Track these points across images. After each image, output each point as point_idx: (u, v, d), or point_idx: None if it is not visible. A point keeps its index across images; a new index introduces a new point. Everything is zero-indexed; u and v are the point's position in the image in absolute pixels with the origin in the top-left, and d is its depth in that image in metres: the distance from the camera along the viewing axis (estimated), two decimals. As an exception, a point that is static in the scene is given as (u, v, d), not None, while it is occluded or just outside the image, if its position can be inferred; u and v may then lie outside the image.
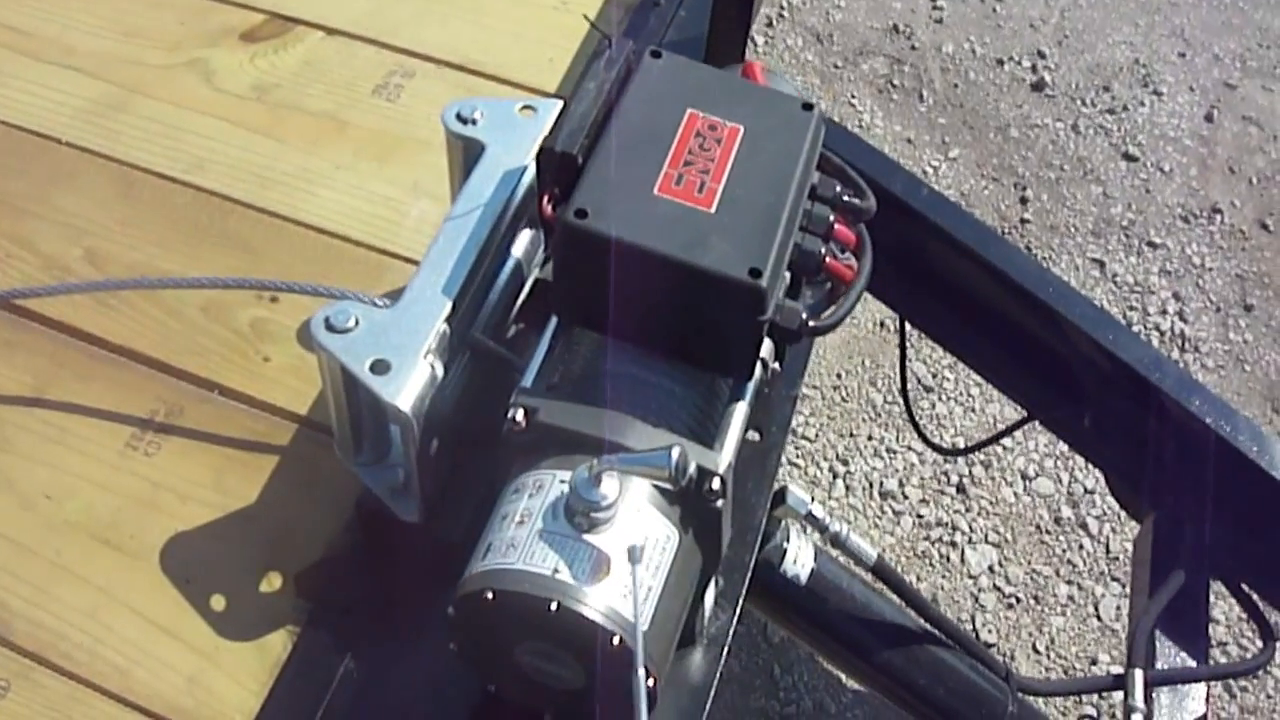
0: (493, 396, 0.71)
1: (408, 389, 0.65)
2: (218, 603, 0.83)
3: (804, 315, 0.62)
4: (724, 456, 0.60)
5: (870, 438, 1.65)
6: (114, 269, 0.95)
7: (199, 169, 1.00)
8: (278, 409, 0.91)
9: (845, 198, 0.65)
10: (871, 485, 1.60)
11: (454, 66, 1.10)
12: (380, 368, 0.68)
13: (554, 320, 0.73)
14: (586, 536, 0.60)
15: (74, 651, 0.80)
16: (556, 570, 0.59)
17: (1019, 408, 1.12)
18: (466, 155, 0.81)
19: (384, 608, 0.80)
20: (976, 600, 1.54)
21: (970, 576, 1.57)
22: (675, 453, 0.54)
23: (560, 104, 0.78)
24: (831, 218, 0.65)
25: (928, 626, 0.97)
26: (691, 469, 0.61)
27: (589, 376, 0.72)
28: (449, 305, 0.72)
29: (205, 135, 1.03)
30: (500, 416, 0.65)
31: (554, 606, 0.54)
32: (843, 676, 1.39)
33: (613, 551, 0.60)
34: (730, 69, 0.79)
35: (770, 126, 0.64)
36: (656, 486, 0.62)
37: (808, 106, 0.65)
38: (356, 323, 0.70)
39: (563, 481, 0.62)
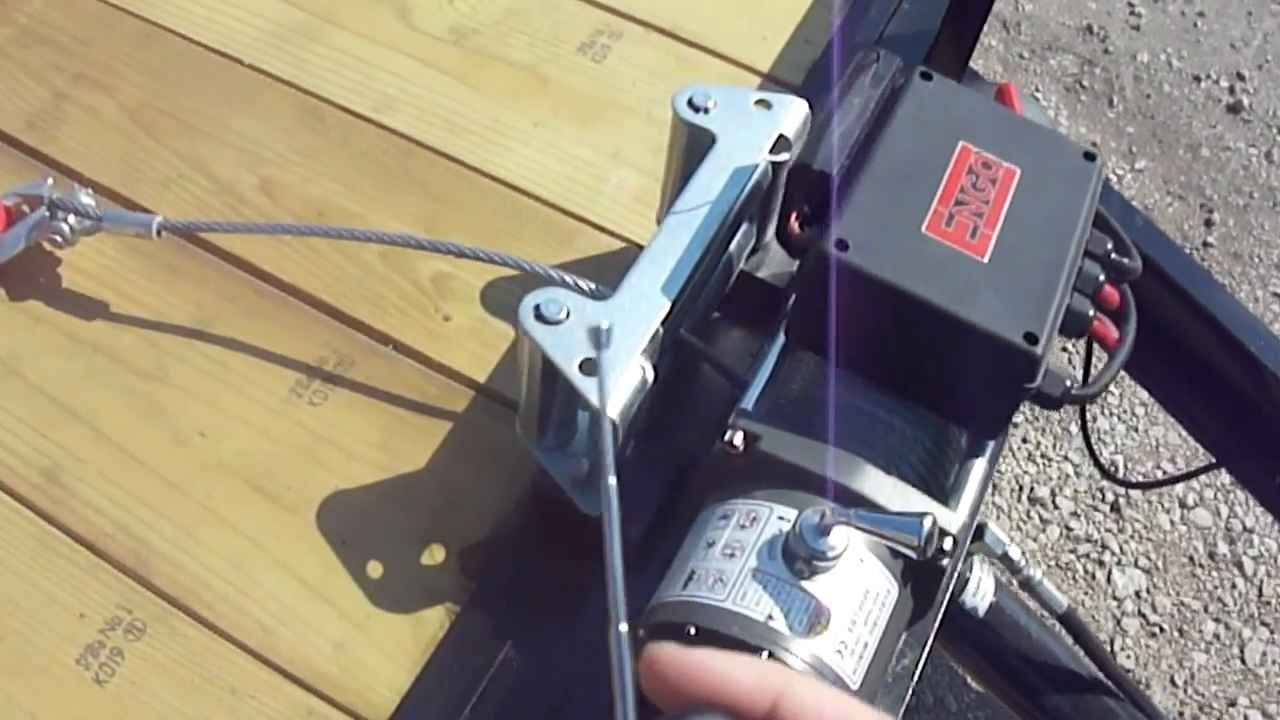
0: (680, 390, 0.82)
1: (617, 394, 0.70)
2: (374, 569, 0.94)
3: (1068, 383, 0.74)
4: (960, 517, 0.66)
5: (1025, 440, 1.93)
6: (289, 201, 1.08)
7: (387, 108, 1.13)
8: (454, 372, 1.03)
9: (1113, 255, 0.72)
10: (1021, 489, 1.90)
11: (664, 33, 1.25)
12: (590, 368, 0.70)
13: (779, 340, 0.83)
14: (804, 583, 0.62)
15: (216, 602, 0.93)
16: (770, 617, 0.66)
17: (1197, 444, 1.20)
18: (692, 143, 0.92)
19: (550, 596, 0.84)
20: (1119, 623, 1.78)
21: (1115, 599, 1.81)
22: (928, 523, 0.58)
23: (798, 103, 0.90)
24: (1101, 277, 0.71)
25: (1101, 678, 1.03)
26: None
27: (813, 404, 0.81)
28: (667, 305, 0.81)
29: (396, 74, 1.17)
30: (692, 420, 0.78)
31: (765, 656, 0.59)
32: (967, 676, 1.48)
33: (831, 603, 0.67)
34: (979, 84, 0.88)
35: (1049, 173, 0.70)
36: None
37: (1089, 156, 0.72)
38: (568, 314, 0.73)
39: (781, 519, 0.70)
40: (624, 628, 0.33)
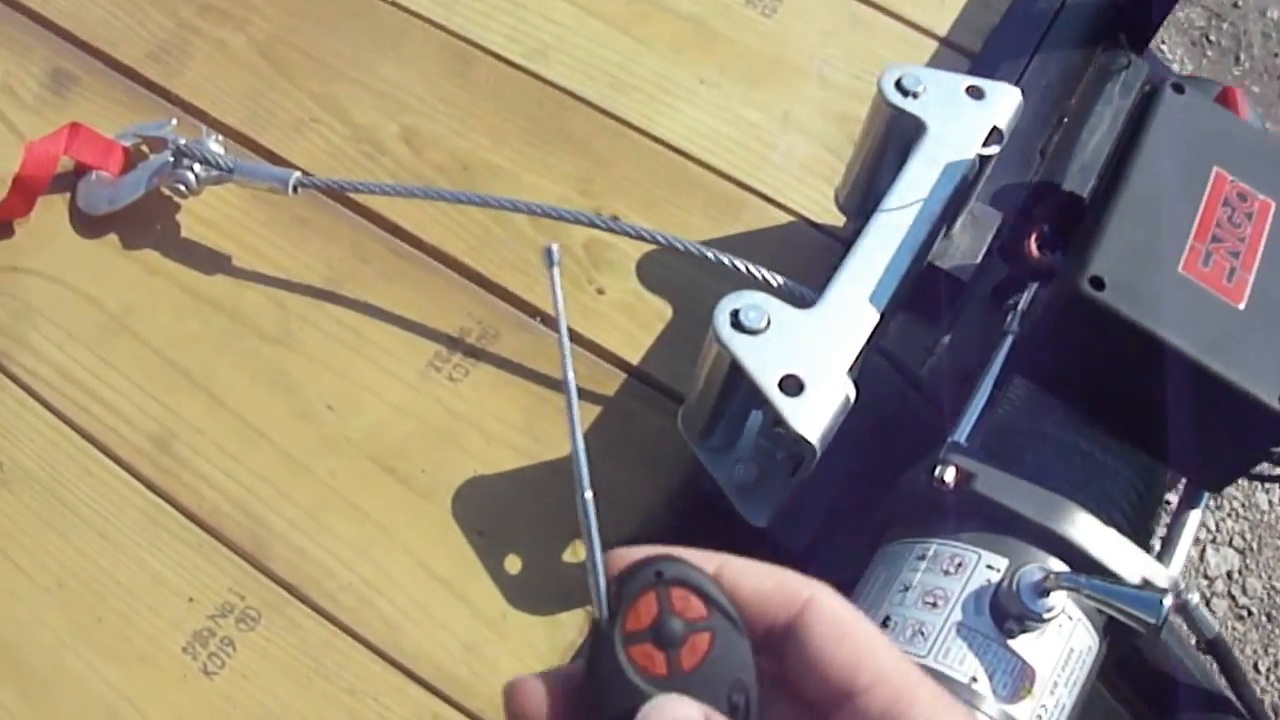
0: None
1: (818, 415, 0.69)
2: (512, 564, 0.94)
3: None
4: (1173, 573, 0.67)
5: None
6: (433, 154, 1.08)
7: (542, 56, 1.10)
8: (605, 351, 1.03)
9: None
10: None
11: None
12: (791, 386, 0.70)
13: (993, 369, 0.83)
14: (1011, 643, 0.64)
15: (339, 592, 0.93)
16: (975, 679, 0.66)
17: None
18: (894, 128, 0.91)
19: None
20: (1208, 603, 1.82)
21: (1206, 577, 1.86)
22: (1168, 603, 0.58)
23: (1011, 91, 0.89)
24: None
25: (1238, 705, 1.02)
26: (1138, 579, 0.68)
27: (1027, 438, 0.81)
28: (876, 317, 0.80)
29: (554, 20, 1.15)
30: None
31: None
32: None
33: (1036, 664, 0.67)
34: (1200, 84, 0.84)
35: (1308, 207, 0.68)
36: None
37: None
38: (768, 324, 0.72)
39: (990, 568, 0.70)
40: (589, 494, 0.37)
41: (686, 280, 0.97)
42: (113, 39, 1.18)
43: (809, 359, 0.75)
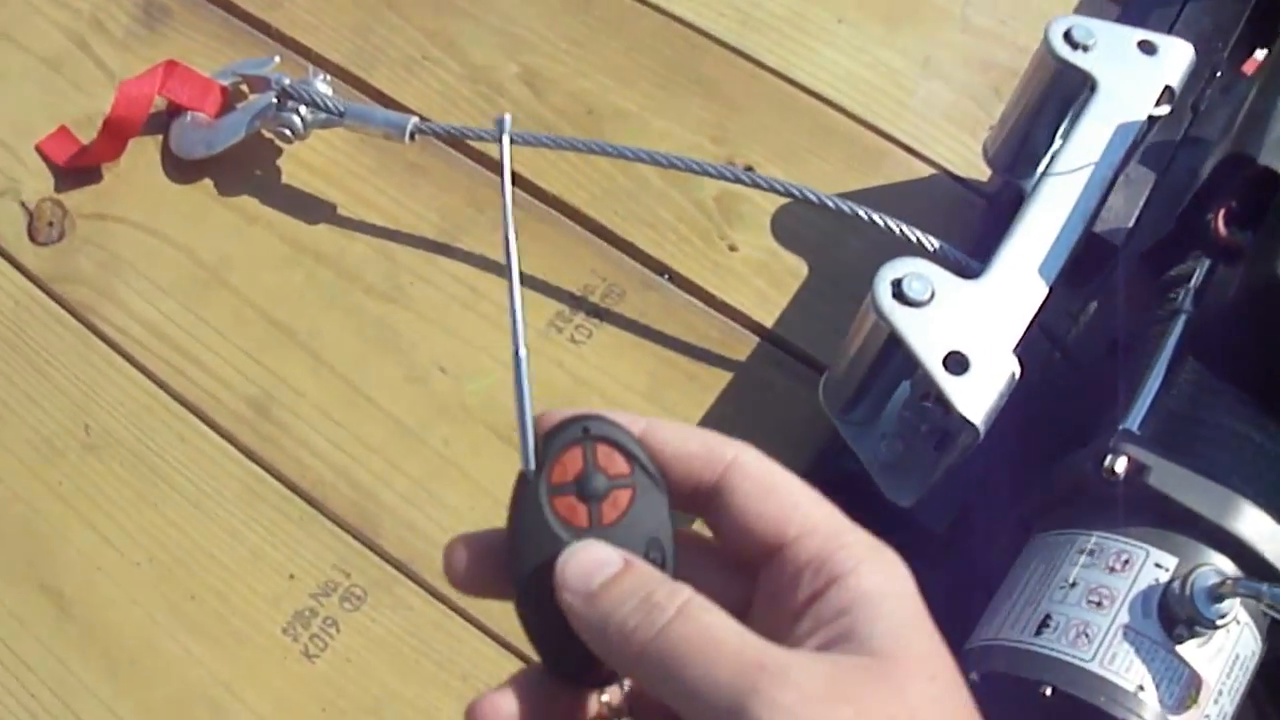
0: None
1: (984, 394, 0.67)
2: None
3: None
4: None
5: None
6: (555, 96, 1.05)
7: (672, -9, 1.02)
8: (737, 313, 0.98)
9: None
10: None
11: None
12: (957, 364, 0.67)
13: (1166, 352, 0.77)
14: (1179, 648, 0.61)
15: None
16: (1141, 688, 0.62)
17: None
18: (1060, 82, 0.87)
19: None
20: None
21: None
22: None
23: (1184, 47, 0.84)
24: None
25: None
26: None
27: (1197, 430, 0.75)
28: (1045, 290, 0.76)
29: None
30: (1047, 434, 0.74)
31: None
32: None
33: (1204, 672, 0.64)
34: None
35: None
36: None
37: None
38: (932, 295, 0.69)
39: (1159, 566, 0.66)
40: (524, 352, 0.41)
41: (825, 236, 0.93)
42: (207, -31, 1.10)
43: (975, 335, 0.71)
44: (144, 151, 1.02)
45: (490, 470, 0.90)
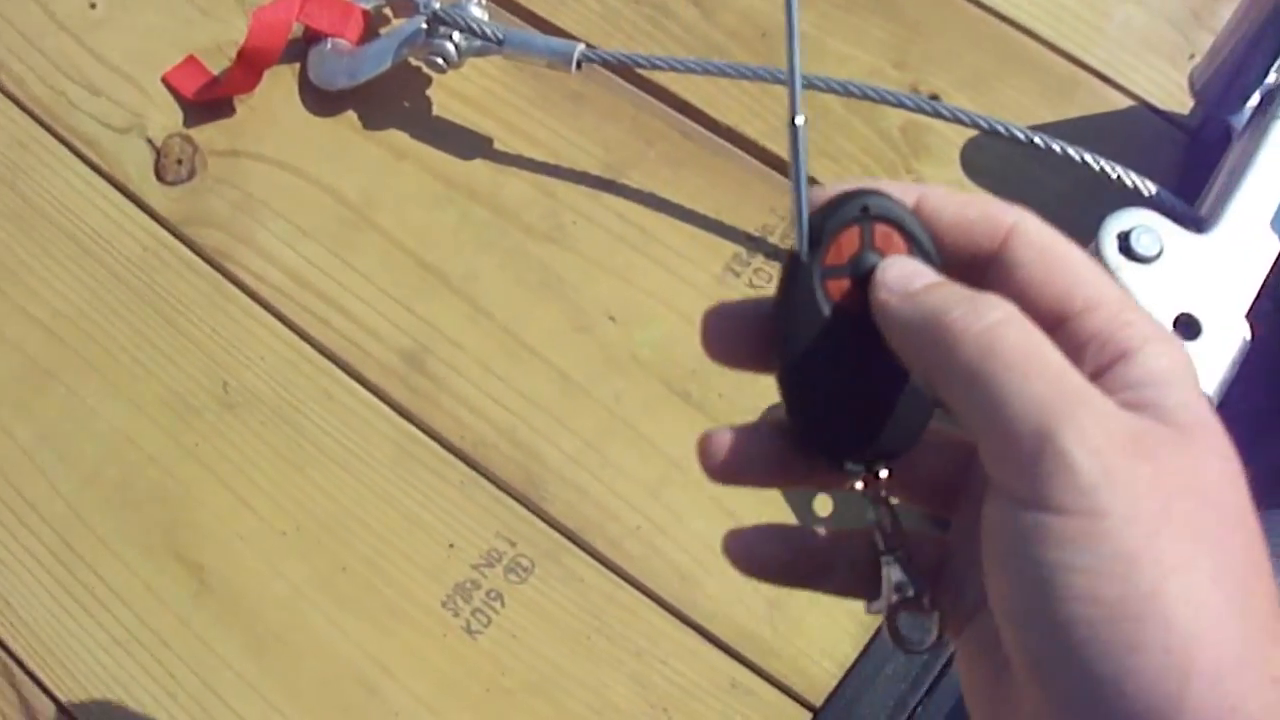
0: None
1: (1216, 365, 0.65)
2: (823, 505, 0.82)
3: None
4: None
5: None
6: (725, 16, 1.03)
7: (852, -99, 0.94)
8: None
9: None
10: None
11: None
12: (1187, 327, 0.65)
13: None
14: None
15: (624, 538, 0.82)
16: None
17: None
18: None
19: None
20: None
21: None
22: None
23: None
24: None
25: None
26: None
27: None
28: (1279, 246, 0.71)
29: None
30: None
31: None
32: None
33: None
34: None
35: None
36: None
37: None
38: (1160, 251, 0.68)
39: None
40: (801, 119, 0.37)
41: (1019, 173, 0.88)
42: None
43: (1206, 296, 0.67)
44: (280, 82, 0.97)
45: (666, 428, 0.84)
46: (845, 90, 0.82)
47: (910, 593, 0.36)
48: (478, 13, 0.89)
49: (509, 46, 0.89)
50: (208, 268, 0.90)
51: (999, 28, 0.95)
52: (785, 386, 0.37)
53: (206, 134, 0.95)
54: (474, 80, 0.95)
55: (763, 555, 0.39)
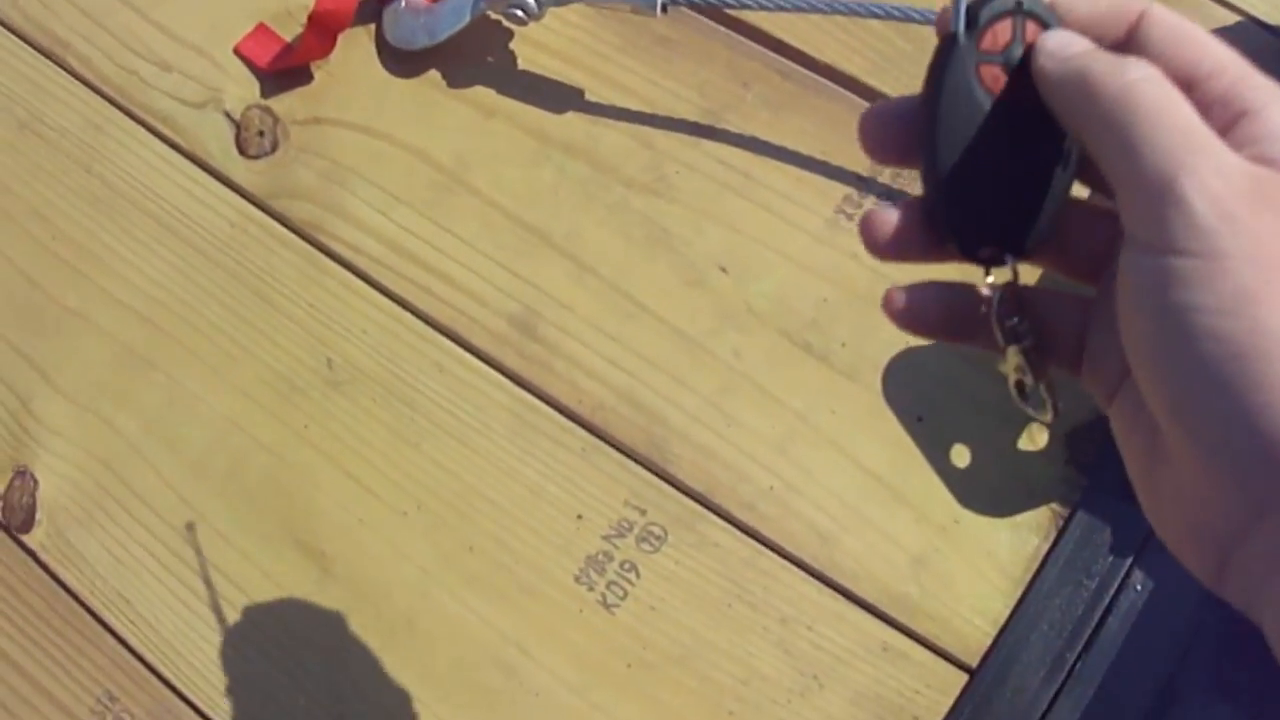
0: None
1: None
2: (959, 456, 0.80)
3: None
4: None
5: None
6: None
7: None
8: None
9: None
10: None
11: None
12: None
13: None
14: None
15: (757, 500, 0.81)
16: None
17: None
18: None
19: None
20: None
21: None
22: None
23: None
24: None
25: None
26: None
27: None
28: None
29: None
30: None
31: None
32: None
33: None
34: None
35: None
36: None
37: None
38: None
39: None
40: None
41: None
42: None
43: None
44: (357, 44, 0.94)
45: (790, 382, 0.82)
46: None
47: (1028, 377, 0.40)
48: None
49: None
50: (300, 241, 0.89)
51: None
52: (928, 166, 0.38)
53: (286, 103, 0.93)
54: (557, 30, 0.93)
55: (923, 308, 0.41)
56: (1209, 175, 0.31)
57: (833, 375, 0.81)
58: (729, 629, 0.77)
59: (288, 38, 0.93)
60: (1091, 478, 0.76)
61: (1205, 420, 0.31)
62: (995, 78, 0.37)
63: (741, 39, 0.92)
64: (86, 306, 0.89)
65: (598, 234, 0.86)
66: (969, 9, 0.37)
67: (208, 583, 0.79)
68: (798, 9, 0.83)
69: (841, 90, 0.90)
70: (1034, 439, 0.78)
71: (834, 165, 0.87)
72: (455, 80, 0.92)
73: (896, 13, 0.81)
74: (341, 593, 0.77)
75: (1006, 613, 0.75)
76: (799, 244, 0.84)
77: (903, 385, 0.80)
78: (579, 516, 0.79)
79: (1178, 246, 0.31)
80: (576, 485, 0.80)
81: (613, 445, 0.81)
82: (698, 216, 0.86)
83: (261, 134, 0.91)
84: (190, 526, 0.80)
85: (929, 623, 0.76)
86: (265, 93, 0.93)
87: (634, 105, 0.90)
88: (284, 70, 0.91)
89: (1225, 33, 0.87)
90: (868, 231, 0.40)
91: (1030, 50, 0.37)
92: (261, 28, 0.93)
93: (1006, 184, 0.38)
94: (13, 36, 0.97)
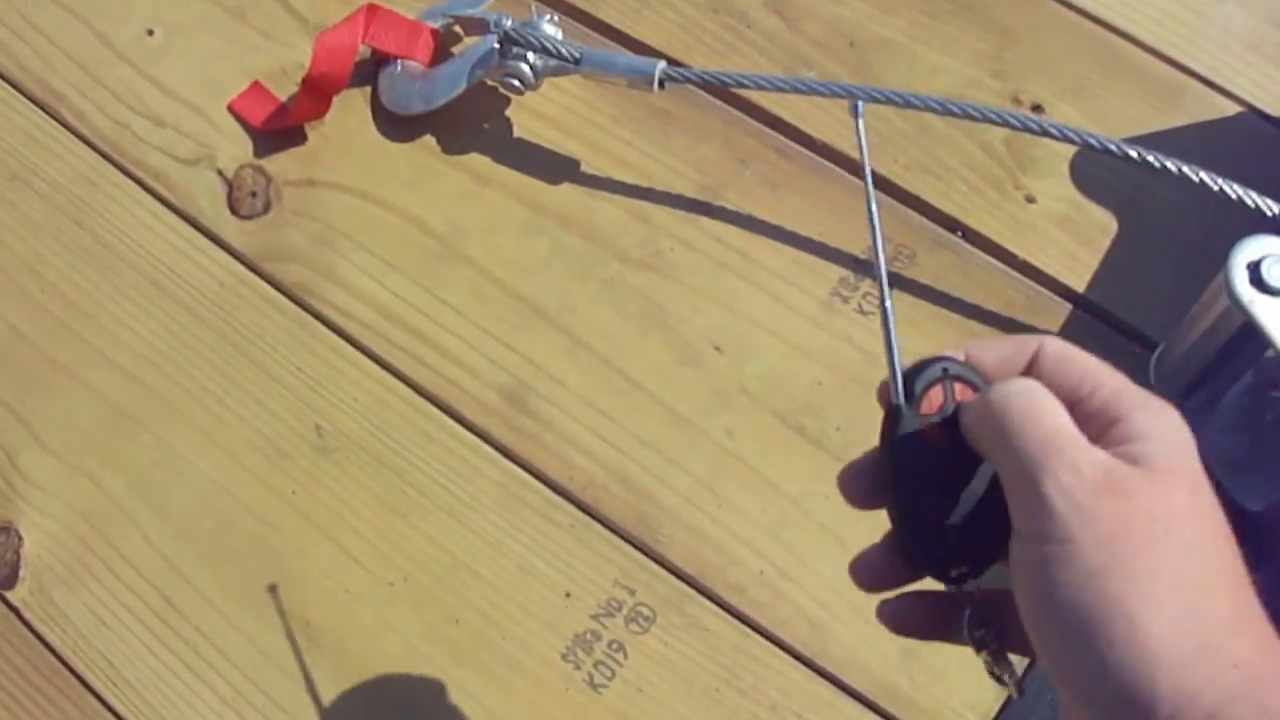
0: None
1: None
2: None
3: None
4: None
5: None
6: (810, 25, 1.01)
7: (932, -102, 0.95)
8: (1041, 274, 0.90)
9: None
10: None
11: None
12: None
13: None
14: None
15: (748, 583, 0.82)
16: None
17: None
18: None
19: None
20: None
21: None
22: None
23: None
24: None
25: None
26: None
27: None
28: None
29: None
30: None
31: None
32: None
33: None
34: None
35: None
36: None
37: None
38: None
39: None
40: (890, 303, 0.47)
41: (1132, 185, 0.88)
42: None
43: None
44: (352, 107, 0.96)
45: (782, 465, 0.83)
46: (945, 109, 0.82)
47: (996, 668, 0.46)
48: (551, 30, 0.88)
49: (586, 66, 0.88)
50: (290, 304, 0.90)
51: (1096, 32, 0.94)
52: (892, 512, 0.46)
53: (279, 164, 0.94)
54: (554, 99, 0.94)
55: (905, 618, 0.48)
56: (1065, 473, 0.39)
57: (827, 459, 0.82)
58: (717, 714, 0.78)
59: (282, 97, 0.94)
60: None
61: (1076, 674, 0.39)
62: (937, 434, 0.45)
63: (739, 114, 0.94)
64: (75, 362, 0.89)
65: (592, 308, 0.88)
66: (905, 379, 0.45)
67: (192, 647, 0.80)
68: (796, 90, 0.85)
69: (839, 170, 0.92)
70: (1020, 527, 0.80)
71: (830, 247, 0.89)
72: (450, 146, 0.93)
73: (897, 99, 0.84)
74: (328, 663, 0.79)
75: (997, 706, 0.76)
76: (794, 325, 0.86)
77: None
78: (567, 594, 0.80)
79: (1043, 535, 0.39)
80: (565, 562, 0.81)
81: (603, 523, 0.82)
82: (693, 294, 0.88)
83: (254, 194, 0.92)
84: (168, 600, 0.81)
85: (920, 715, 0.77)
86: (259, 152, 0.94)
87: (630, 179, 0.92)
88: (279, 130, 0.93)
89: (1227, 123, 0.91)
90: (857, 574, 0.48)
91: (960, 407, 0.45)
92: (256, 86, 0.94)
93: (960, 517, 0.45)
94: (7, 87, 0.98)
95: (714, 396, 0.85)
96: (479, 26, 0.91)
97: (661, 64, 0.86)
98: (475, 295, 0.88)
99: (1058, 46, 0.94)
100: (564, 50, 0.87)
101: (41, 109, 0.99)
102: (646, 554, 0.82)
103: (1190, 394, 0.77)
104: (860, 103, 0.52)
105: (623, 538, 0.82)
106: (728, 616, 0.80)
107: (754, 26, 0.98)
